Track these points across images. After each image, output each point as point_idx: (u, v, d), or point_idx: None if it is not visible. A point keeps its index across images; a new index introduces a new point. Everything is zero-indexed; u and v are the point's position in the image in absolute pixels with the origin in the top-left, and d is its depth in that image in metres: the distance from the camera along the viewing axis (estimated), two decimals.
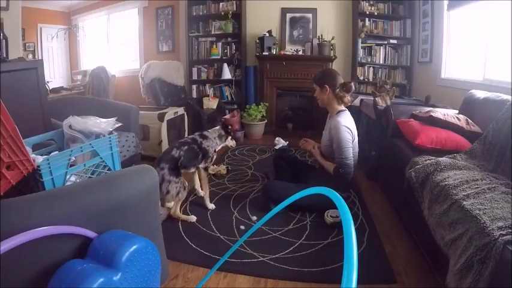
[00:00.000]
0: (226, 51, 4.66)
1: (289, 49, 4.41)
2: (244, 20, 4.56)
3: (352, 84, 2.21)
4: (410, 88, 4.31)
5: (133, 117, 2.66)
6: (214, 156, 2.31)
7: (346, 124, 2.12)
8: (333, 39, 4.19)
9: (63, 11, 5.51)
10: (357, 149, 2.23)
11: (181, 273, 1.56)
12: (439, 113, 2.23)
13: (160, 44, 5.03)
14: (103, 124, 1.49)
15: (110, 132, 1.50)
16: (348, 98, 2.21)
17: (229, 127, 2.38)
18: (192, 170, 2.20)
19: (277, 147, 3.51)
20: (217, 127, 2.36)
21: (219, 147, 2.34)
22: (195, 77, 4.78)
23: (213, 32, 4.65)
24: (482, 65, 2.84)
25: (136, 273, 0.92)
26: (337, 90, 2.17)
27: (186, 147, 2.07)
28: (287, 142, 3.57)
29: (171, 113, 3.34)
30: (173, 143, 2.15)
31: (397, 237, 1.90)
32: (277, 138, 3.64)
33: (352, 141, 2.15)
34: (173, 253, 1.63)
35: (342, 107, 2.23)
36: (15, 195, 0.93)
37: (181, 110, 3.55)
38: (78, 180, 1.33)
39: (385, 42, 4.41)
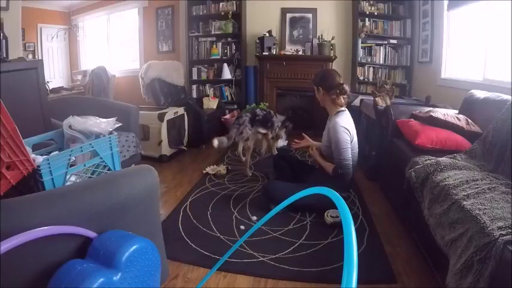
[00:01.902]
0: (226, 51, 4.66)
1: (289, 49, 4.41)
2: (244, 20, 4.56)
3: (345, 86, 2.17)
4: (410, 88, 4.31)
5: (133, 117, 2.66)
6: (277, 131, 2.98)
7: (344, 125, 2.11)
8: (333, 39, 4.19)
9: (63, 11, 5.51)
10: (356, 150, 2.22)
11: (181, 273, 1.55)
12: (439, 113, 2.23)
13: (160, 44, 5.03)
14: (103, 124, 1.49)
15: (110, 132, 1.50)
16: (341, 100, 2.17)
17: (289, 124, 3.07)
18: (261, 130, 2.87)
19: (277, 146, 3.50)
20: (283, 116, 3.05)
21: (279, 130, 2.99)
22: (195, 77, 4.78)
23: (213, 32, 4.65)
24: (482, 65, 2.84)
25: (136, 273, 0.92)
26: (331, 92, 2.16)
27: (264, 112, 2.91)
28: (287, 142, 3.57)
29: (171, 113, 3.34)
30: (255, 109, 3.00)
31: (397, 237, 1.90)
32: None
33: (351, 142, 2.14)
34: (173, 253, 1.63)
35: (341, 108, 2.21)
36: (15, 195, 0.93)
37: (181, 110, 3.55)
38: (78, 180, 1.33)
39: (385, 42, 4.41)
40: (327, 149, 2.22)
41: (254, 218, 2.09)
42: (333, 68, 4.32)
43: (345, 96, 2.19)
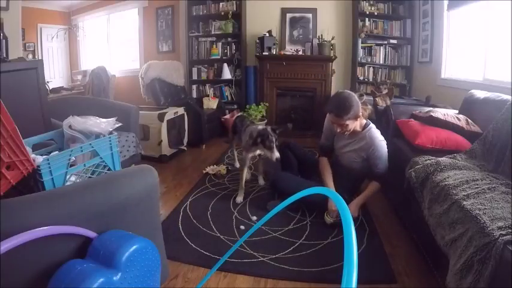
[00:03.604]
0: (226, 51, 4.66)
1: (289, 49, 4.41)
2: (244, 20, 4.56)
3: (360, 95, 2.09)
4: (410, 88, 4.32)
5: (133, 117, 2.66)
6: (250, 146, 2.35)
7: (381, 137, 2.04)
8: (333, 39, 4.19)
9: (63, 11, 5.51)
10: None
11: (181, 273, 1.56)
12: (439, 113, 2.23)
13: (160, 44, 5.04)
14: (103, 124, 1.49)
15: (110, 132, 1.50)
16: (368, 111, 2.11)
17: (274, 137, 2.21)
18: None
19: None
20: (259, 127, 2.32)
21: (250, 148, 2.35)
22: (195, 77, 4.78)
23: (213, 32, 4.65)
24: (482, 65, 2.84)
25: (136, 273, 0.92)
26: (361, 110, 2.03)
27: (247, 123, 2.61)
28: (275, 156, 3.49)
29: (171, 113, 3.34)
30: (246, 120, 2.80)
31: (397, 237, 1.91)
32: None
33: None
34: (173, 253, 1.63)
35: (364, 120, 2.10)
36: (15, 195, 0.93)
37: (181, 110, 3.55)
38: (78, 180, 1.33)
39: (385, 42, 4.41)
40: (356, 164, 2.12)
41: (254, 218, 2.09)
42: (333, 68, 4.32)
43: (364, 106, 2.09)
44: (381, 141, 2.02)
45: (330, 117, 2.00)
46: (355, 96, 1.97)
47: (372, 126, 2.09)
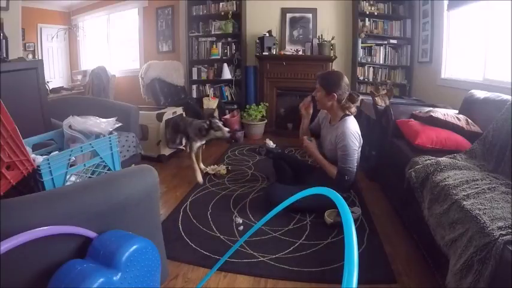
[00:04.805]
0: (226, 51, 4.66)
1: (289, 49, 4.40)
2: (244, 20, 4.56)
3: (355, 95, 2.11)
4: (410, 88, 4.31)
5: (133, 117, 2.67)
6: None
7: (355, 131, 2.04)
8: (333, 39, 4.19)
9: (63, 11, 5.51)
10: (359, 154, 2.16)
11: (181, 273, 1.55)
12: (439, 113, 2.23)
13: (160, 44, 5.03)
14: (103, 124, 1.49)
15: (110, 132, 1.50)
16: (353, 108, 2.12)
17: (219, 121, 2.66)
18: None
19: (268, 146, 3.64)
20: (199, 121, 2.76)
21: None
22: (195, 77, 4.78)
23: (213, 32, 4.65)
24: (482, 65, 2.84)
25: (136, 273, 0.92)
26: (343, 101, 2.07)
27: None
28: (275, 145, 3.74)
29: (169, 112, 3.34)
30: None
31: (397, 237, 1.90)
32: (266, 139, 3.77)
33: (359, 148, 2.08)
34: (173, 253, 1.63)
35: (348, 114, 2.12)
36: (15, 195, 0.93)
37: (179, 110, 3.55)
38: (78, 180, 1.33)
39: (385, 42, 4.40)
40: (332, 152, 2.15)
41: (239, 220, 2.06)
42: (333, 68, 4.32)
43: (356, 104, 2.13)
44: (350, 133, 2.00)
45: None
46: (346, 82, 2.09)
47: (350, 117, 2.11)
